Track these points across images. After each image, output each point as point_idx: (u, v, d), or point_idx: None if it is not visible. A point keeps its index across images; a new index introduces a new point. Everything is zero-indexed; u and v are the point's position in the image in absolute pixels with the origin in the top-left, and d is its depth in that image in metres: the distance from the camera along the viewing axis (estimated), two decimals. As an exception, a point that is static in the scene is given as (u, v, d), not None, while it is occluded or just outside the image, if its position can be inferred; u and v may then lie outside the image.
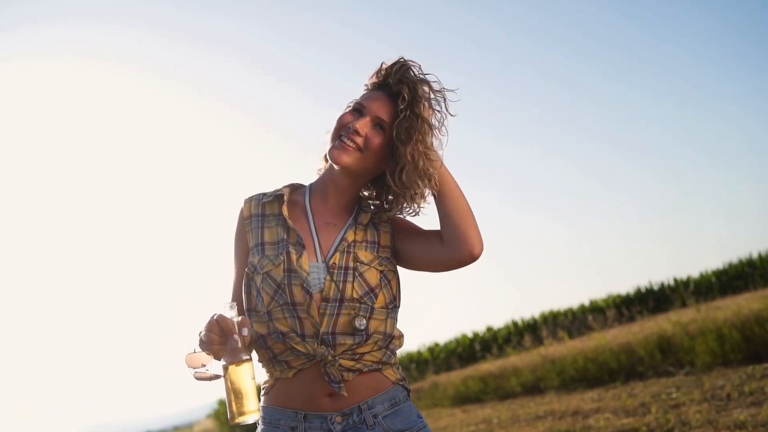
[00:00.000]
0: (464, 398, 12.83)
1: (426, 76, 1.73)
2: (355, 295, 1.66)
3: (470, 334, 21.53)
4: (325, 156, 1.87)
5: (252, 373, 1.51)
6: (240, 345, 1.50)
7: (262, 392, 1.76)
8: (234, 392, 1.48)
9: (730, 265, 19.55)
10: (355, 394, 1.67)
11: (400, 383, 1.75)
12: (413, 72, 1.72)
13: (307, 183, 1.92)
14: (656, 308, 18.26)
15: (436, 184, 1.71)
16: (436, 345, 21.80)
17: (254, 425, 1.69)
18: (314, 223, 1.76)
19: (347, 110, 1.77)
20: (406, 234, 1.82)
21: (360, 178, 1.79)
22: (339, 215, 1.80)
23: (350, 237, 1.74)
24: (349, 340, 1.65)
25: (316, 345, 1.63)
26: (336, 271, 1.67)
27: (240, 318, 1.51)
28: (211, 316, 1.52)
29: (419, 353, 21.06)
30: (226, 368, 1.49)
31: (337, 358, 1.64)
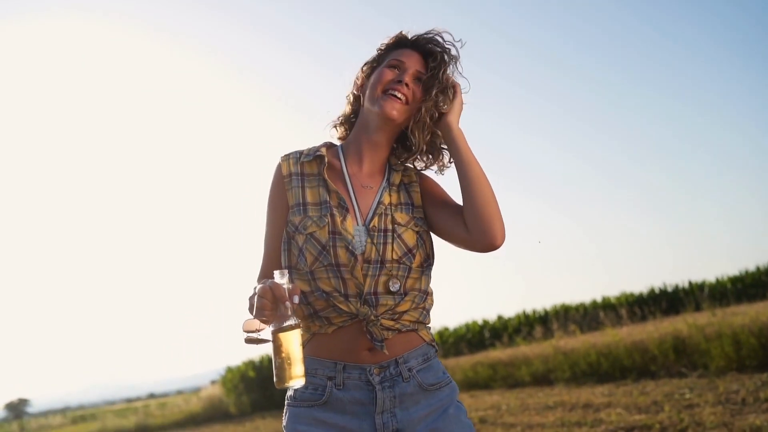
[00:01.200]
0: (473, 384, 12.90)
1: (456, 44, 1.84)
2: (394, 257, 1.71)
3: (480, 322, 21.61)
4: (338, 124, 1.95)
5: (300, 340, 1.53)
6: (290, 312, 1.52)
7: None
8: (282, 357, 1.51)
9: (747, 273, 19.49)
10: (392, 349, 1.72)
11: (432, 343, 1.82)
12: (444, 38, 1.84)
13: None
14: (669, 310, 18.23)
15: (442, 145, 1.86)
16: (446, 329, 21.89)
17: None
18: (352, 187, 1.81)
19: (384, 67, 1.83)
20: (433, 200, 1.87)
21: (395, 131, 1.86)
22: (374, 178, 1.85)
23: (386, 200, 1.80)
24: (390, 300, 1.71)
25: (359, 305, 1.69)
26: (376, 234, 1.72)
27: (291, 285, 1.54)
28: (263, 281, 1.55)
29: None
30: (275, 333, 1.51)
31: (379, 317, 1.69)
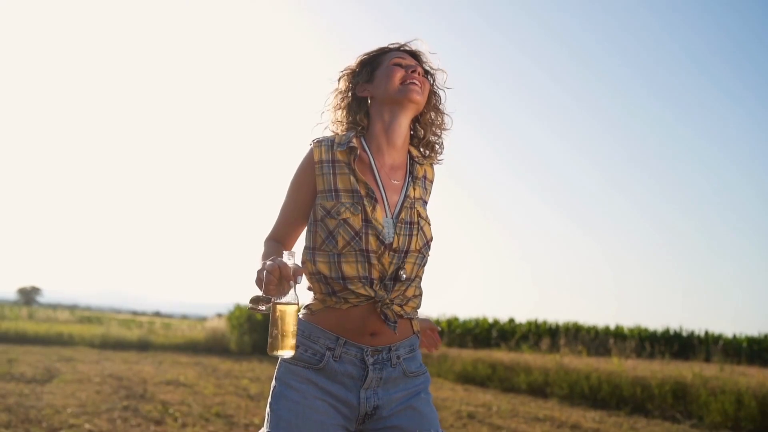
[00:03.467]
0: (469, 378, 13.00)
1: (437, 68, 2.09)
2: (417, 247, 1.91)
3: (490, 320, 21.64)
4: (345, 117, 2.06)
5: (296, 317, 1.71)
6: (292, 290, 1.69)
7: (304, 309, 1.96)
8: (278, 329, 1.68)
9: (765, 336, 19.24)
10: (390, 337, 1.91)
11: (417, 334, 2.02)
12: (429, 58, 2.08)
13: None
14: (679, 354, 18.11)
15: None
16: (455, 319, 21.97)
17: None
18: (381, 180, 1.95)
19: (390, 66, 2.00)
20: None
21: (412, 118, 2.05)
22: (398, 172, 2.01)
23: (411, 194, 1.97)
24: (402, 286, 1.90)
25: (378, 288, 1.86)
26: (403, 226, 1.90)
27: (297, 266, 1.69)
28: (272, 259, 1.69)
29: (437, 322, 21.25)
30: (276, 306, 1.69)
31: (393, 301, 1.88)
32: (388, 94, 1.97)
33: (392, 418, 1.89)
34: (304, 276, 1.83)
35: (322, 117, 2.09)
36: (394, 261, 1.87)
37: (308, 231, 1.95)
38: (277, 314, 1.68)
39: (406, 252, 1.88)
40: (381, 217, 1.87)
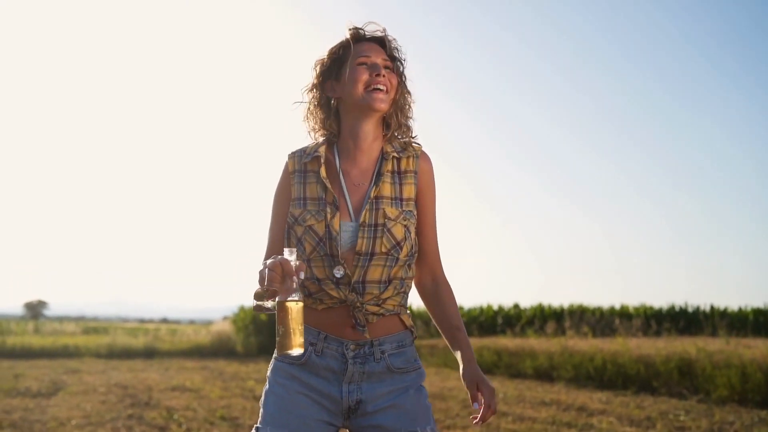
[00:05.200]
0: (475, 366, 12.97)
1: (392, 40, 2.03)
2: (383, 249, 1.89)
3: (495, 307, 21.66)
4: (318, 125, 2.04)
5: (302, 316, 1.71)
6: (296, 287, 1.69)
7: None
8: (286, 327, 1.68)
9: (771, 307, 19.25)
10: (372, 332, 1.91)
11: (410, 329, 2.00)
12: (385, 32, 2.02)
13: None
14: (685, 329, 18.13)
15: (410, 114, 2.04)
16: (460, 308, 21.90)
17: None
18: (345, 184, 1.96)
19: (355, 66, 1.94)
20: (420, 212, 2.02)
21: (380, 120, 2.01)
22: (366, 173, 1.99)
23: (374, 193, 1.93)
24: (375, 290, 1.90)
25: (347, 292, 1.88)
26: (366, 229, 1.89)
27: (299, 263, 1.70)
28: (273, 257, 1.71)
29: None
30: (281, 304, 1.68)
31: (364, 304, 1.89)
32: (352, 100, 1.94)
33: (377, 416, 1.90)
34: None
35: (303, 120, 2.06)
36: (360, 264, 1.88)
37: (285, 238, 1.98)
38: (284, 312, 1.67)
39: (371, 254, 1.88)
40: (337, 223, 1.89)
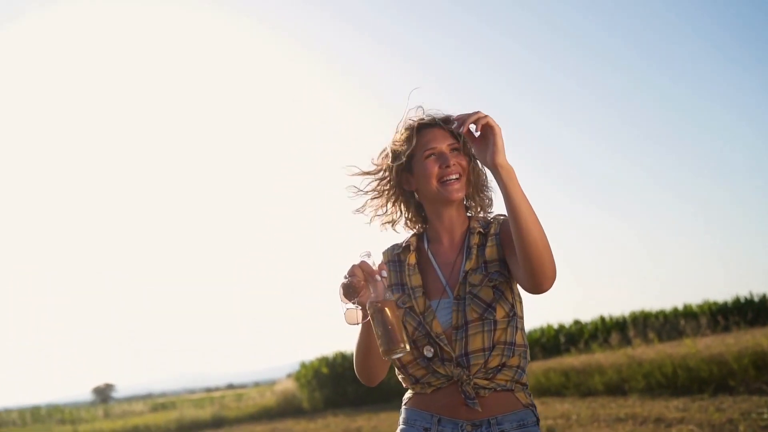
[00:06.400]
0: (544, 390, 12.72)
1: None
2: (475, 316, 1.86)
3: (555, 325, 21.28)
4: (410, 221, 2.09)
5: (396, 314, 1.66)
6: (384, 285, 1.66)
7: (404, 402, 2.01)
8: (385, 328, 1.63)
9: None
10: (487, 409, 1.85)
11: (530, 408, 1.92)
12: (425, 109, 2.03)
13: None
14: (755, 321, 17.55)
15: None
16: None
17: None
18: (437, 265, 1.99)
19: (424, 160, 1.95)
20: (508, 246, 1.93)
21: (462, 200, 2.03)
22: (455, 251, 2.00)
23: (467, 267, 1.93)
24: (480, 359, 1.84)
25: (453, 367, 1.85)
26: (458, 302, 1.89)
27: (378, 263, 1.70)
28: (351, 265, 1.71)
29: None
30: (374, 305, 1.64)
31: (471, 377, 1.84)
32: (429, 194, 1.97)
33: None
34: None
35: (369, 217, 2.08)
36: (458, 338, 1.85)
37: None
38: (377, 313, 1.64)
39: (465, 324, 1.85)
40: (428, 302, 1.91)
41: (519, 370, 1.90)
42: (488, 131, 1.75)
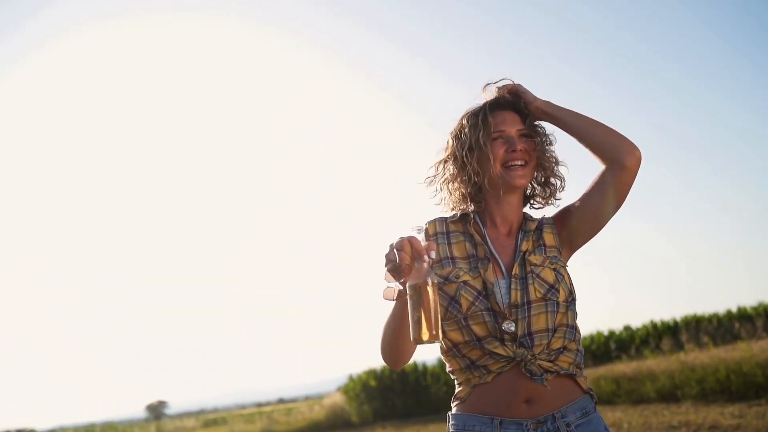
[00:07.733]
0: (594, 398, 12.48)
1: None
2: (538, 295, 1.80)
3: (605, 332, 20.94)
4: (467, 199, 1.98)
5: (437, 299, 1.55)
6: (429, 267, 1.55)
7: (455, 401, 1.89)
8: (421, 312, 1.53)
9: None
10: (549, 402, 1.77)
11: (589, 392, 1.85)
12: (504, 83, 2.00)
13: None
14: (814, 322, 17.03)
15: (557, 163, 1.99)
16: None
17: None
18: (493, 246, 1.91)
19: (491, 142, 1.89)
20: (567, 214, 1.96)
21: (524, 190, 1.98)
22: (510, 235, 1.95)
23: (524, 247, 1.89)
24: (544, 339, 1.77)
25: (515, 347, 1.76)
26: (518, 281, 1.82)
27: (428, 242, 1.60)
28: (399, 237, 1.60)
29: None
30: (415, 287, 1.54)
31: (537, 356, 1.76)
32: (492, 178, 1.90)
33: None
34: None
35: (435, 193, 2.03)
36: (520, 316, 1.77)
37: None
38: (417, 295, 1.54)
39: (528, 303, 1.78)
40: (492, 277, 1.83)
41: (579, 354, 1.85)
42: (513, 91, 1.95)
